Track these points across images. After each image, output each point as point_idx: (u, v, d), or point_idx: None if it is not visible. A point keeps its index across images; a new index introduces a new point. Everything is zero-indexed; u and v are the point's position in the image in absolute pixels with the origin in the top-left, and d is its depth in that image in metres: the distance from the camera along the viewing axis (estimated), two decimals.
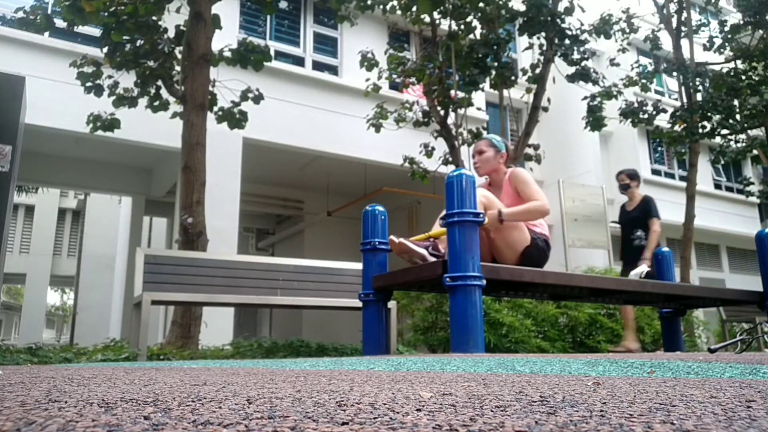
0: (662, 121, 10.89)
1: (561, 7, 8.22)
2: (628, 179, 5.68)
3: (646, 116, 10.27)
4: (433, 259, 3.08)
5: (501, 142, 3.70)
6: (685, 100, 10.56)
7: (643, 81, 10.42)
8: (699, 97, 10.67)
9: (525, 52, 9.84)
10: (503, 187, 3.56)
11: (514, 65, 8.78)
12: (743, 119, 10.92)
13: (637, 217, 5.53)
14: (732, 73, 10.49)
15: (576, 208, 9.63)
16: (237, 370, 1.82)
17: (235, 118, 6.64)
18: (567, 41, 8.26)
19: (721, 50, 11.16)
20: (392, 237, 3.19)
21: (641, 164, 14.09)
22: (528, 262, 3.34)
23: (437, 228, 3.23)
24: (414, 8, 7.92)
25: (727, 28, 10.94)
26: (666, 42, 11.25)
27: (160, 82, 6.31)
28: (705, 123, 10.37)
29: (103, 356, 3.73)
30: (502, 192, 3.55)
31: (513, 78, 8.17)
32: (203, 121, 5.60)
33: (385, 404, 0.87)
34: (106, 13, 5.73)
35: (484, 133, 8.89)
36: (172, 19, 6.49)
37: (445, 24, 8.31)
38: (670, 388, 1.10)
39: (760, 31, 10.57)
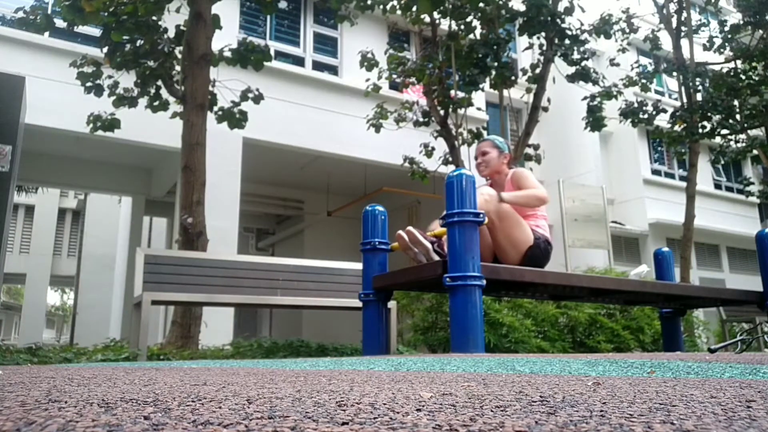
0: (662, 121, 10.88)
1: (561, 7, 8.21)
2: None
3: (646, 116, 10.27)
4: (436, 256, 3.08)
5: (504, 143, 3.73)
6: (685, 100, 10.55)
7: (643, 81, 10.42)
8: (699, 97, 10.67)
9: (525, 52, 9.84)
10: (505, 187, 3.60)
11: (514, 65, 8.77)
12: (743, 119, 10.91)
13: None
14: (732, 73, 10.48)
15: (576, 208, 9.64)
16: (237, 370, 1.82)
17: (235, 118, 6.63)
18: (567, 41, 8.26)
19: (721, 50, 11.15)
20: (400, 231, 3.19)
21: (641, 164, 14.09)
22: (530, 262, 3.34)
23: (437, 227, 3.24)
24: (414, 8, 7.91)
25: (727, 28, 10.93)
26: (666, 42, 11.24)
27: (160, 82, 6.31)
28: (705, 123, 10.36)
29: (103, 356, 3.72)
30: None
31: (513, 78, 8.16)
32: (203, 121, 5.60)
33: (385, 404, 0.87)
34: (106, 13, 5.72)
35: (485, 133, 8.89)
36: (172, 19, 6.48)
37: (445, 24, 8.30)
38: (670, 388, 1.10)
39: (760, 31, 10.56)
